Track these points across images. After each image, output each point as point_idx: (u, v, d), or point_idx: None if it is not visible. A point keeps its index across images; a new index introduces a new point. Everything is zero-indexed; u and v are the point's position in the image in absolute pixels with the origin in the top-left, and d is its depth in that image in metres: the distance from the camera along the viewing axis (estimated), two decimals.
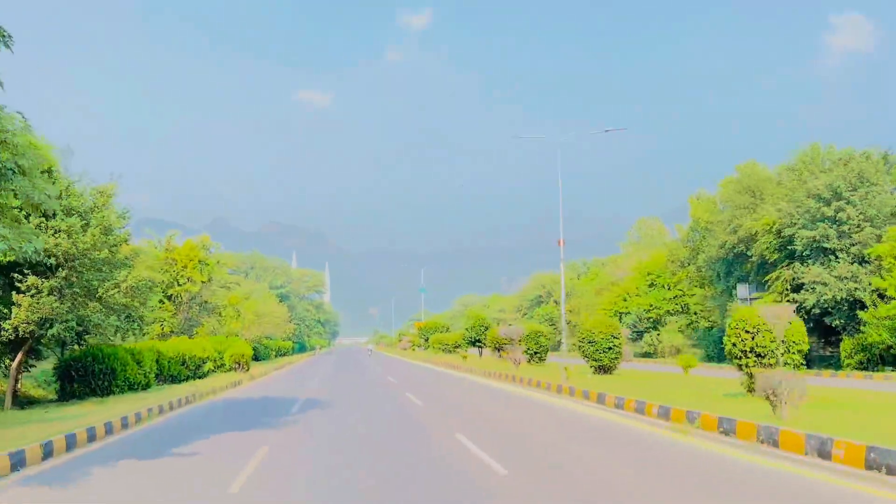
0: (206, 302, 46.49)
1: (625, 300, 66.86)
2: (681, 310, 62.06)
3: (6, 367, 22.87)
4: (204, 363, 35.99)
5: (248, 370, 40.11)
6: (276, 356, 70.84)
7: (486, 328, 52.38)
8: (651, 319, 62.60)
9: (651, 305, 62.69)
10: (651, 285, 64.34)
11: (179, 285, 43.70)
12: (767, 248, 43.29)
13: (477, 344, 54.34)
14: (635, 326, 62.66)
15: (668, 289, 62.86)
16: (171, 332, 43.04)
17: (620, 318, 65.08)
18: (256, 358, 65.33)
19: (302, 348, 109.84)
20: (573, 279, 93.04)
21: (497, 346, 48.64)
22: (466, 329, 55.79)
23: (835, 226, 38.56)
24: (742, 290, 42.72)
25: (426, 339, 69.11)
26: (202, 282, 44.88)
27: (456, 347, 58.17)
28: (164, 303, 43.40)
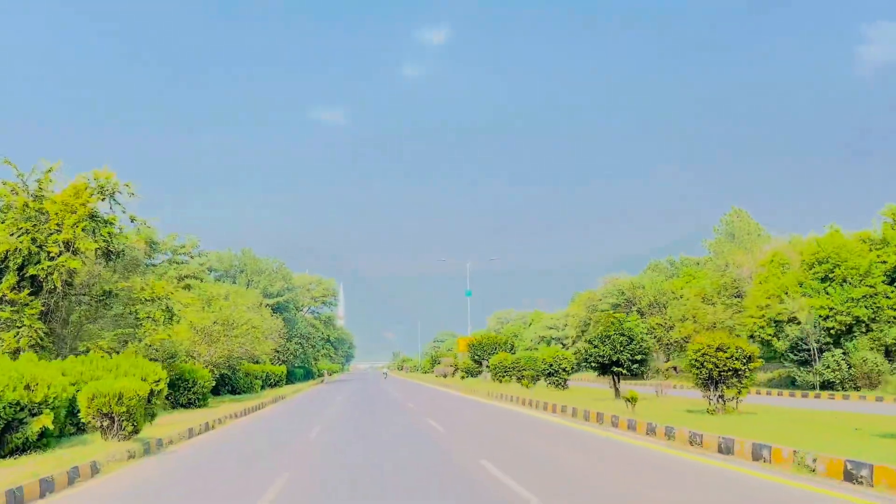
0: (108, 292, 25.40)
1: (763, 306, 45.17)
2: (873, 316, 40.37)
3: None
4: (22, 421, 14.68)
5: (133, 430, 17.69)
6: (262, 386, 49.52)
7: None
8: (833, 332, 40.72)
9: (831, 310, 40.82)
10: (825, 280, 42.48)
11: (52, 259, 22.90)
12: None
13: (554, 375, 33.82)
14: (802, 343, 40.72)
15: (855, 285, 41.06)
16: (36, 345, 22.34)
17: (777, 332, 43.43)
18: (234, 391, 44.32)
19: (308, 375, 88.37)
20: (660, 281, 71.36)
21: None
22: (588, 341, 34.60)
23: None
24: None
25: (480, 362, 48.01)
26: (98, 251, 23.91)
27: (534, 379, 36.92)
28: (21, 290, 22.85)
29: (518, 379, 36.40)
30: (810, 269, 43.17)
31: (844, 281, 41.31)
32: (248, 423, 25.16)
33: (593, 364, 25.22)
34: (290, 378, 77.06)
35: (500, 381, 41.68)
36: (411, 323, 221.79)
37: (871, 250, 43.03)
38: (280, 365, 69.09)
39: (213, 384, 36.54)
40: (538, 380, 36.81)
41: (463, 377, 49.28)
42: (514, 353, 46.40)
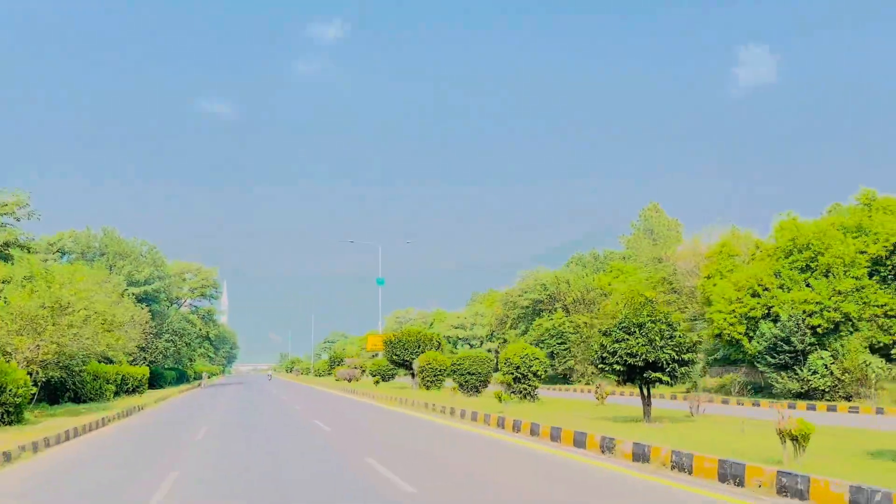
0: None
1: (732, 300, 38.93)
2: (861, 312, 34.81)
3: None
4: None
5: None
6: (116, 392, 38.56)
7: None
8: (819, 330, 34.77)
9: (818, 305, 34.83)
10: (806, 270, 36.58)
11: None
12: None
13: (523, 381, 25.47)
14: (782, 345, 34.60)
15: (840, 277, 35.32)
16: None
17: (749, 329, 37.31)
18: (77, 398, 33.80)
19: (181, 377, 76.40)
20: (586, 276, 64.98)
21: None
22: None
23: None
24: None
25: (402, 363, 38.45)
26: None
27: (475, 387, 28.54)
28: None
29: (468, 387, 27.59)
30: (787, 258, 37.12)
31: (828, 272, 35.46)
32: (51, 462, 15.28)
33: (616, 366, 16.79)
34: (158, 381, 65.36)
35: (429, 389, 33.21)
36: (299, 324, 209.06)
37: (844, 238, 37.56)
38: (143, 366, 57.61)
39: (34, 390, 26.20)
40: (480, 388, 28.51)
41: (377, 381, 40.30)
42: (441, 352, 37.74)
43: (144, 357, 61.59)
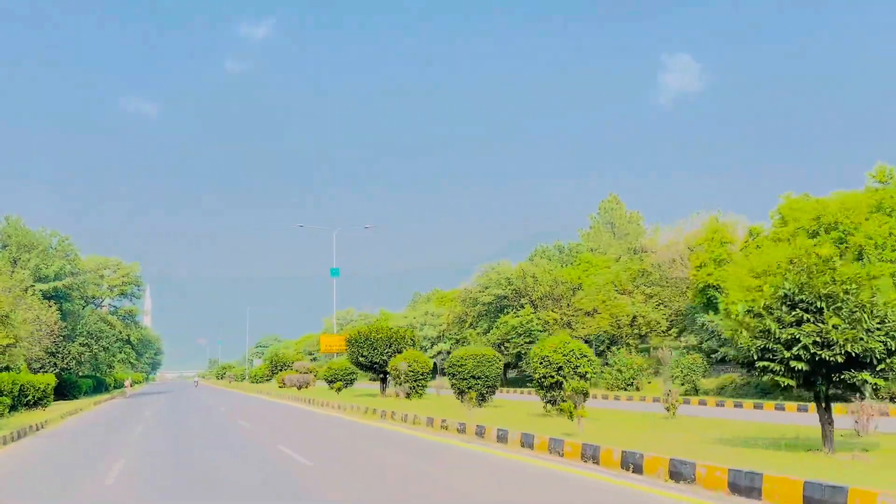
0: None
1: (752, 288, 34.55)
2: None
3: None
4: None
5: None
6: (13, 406, 30.98)
7: None
8: None
9: None
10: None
11: None
12: None
13: None
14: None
15: (872, 261, 31.03)
16: None
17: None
18: None
19: (100, 386, 67.81)
20: (554, 269, 60.03)
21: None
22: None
23: None
24: None
25: (371, 367, 31.30)
26: None
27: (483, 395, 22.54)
28: None
29: (470, 395, 21.12)
30: (812, 238, 32.63)
31: (860, 255, 31.12)
32: None
33: (795, 363, 10.38)
34: (71, 391, 57.00)
35: (409, 396, 27.15)
36: (228, 329, 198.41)
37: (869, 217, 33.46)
38: (52, 373, 49.52)
39: None
40: (487, 396, 22.63)
41: (338, 388, 33.58)
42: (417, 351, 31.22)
43: (55, 363, 53.41)
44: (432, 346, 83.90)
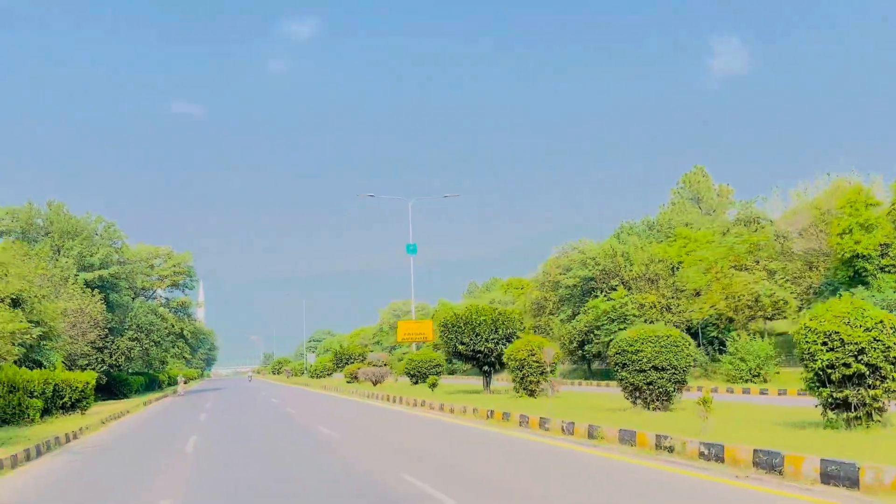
0: None
1: None
2: None
3: None
4: None
5: None
6: (48, 409, 26.05)
7: None
8: None
9: None
10: None
11: None
12: None
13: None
14: None
15: None
16: None
17: None
18: None
19: (152, 383, 63.69)
20: (648, 246, 53.44)
21: None
22: None
23: None
24: None
25: (473, 357, 24.88)
26: None
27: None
28: None
29: (647, 392, 14.49)
30: None
31: None
32: None
33: None
34: (121, 389, 52.66)
35: (533, 394, 21.03)
36: (280, 326, 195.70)
37: None
38: (100, 369, 45.08)
39: None
40: (673, 394, 16.27)
41: (433, 384, 27.63)
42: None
43: (102, 360, 48.96)
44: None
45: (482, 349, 24.64)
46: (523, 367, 21.23)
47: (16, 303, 26.96)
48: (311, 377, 65.44)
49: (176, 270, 63.70)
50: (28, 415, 24.44)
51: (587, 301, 53.25)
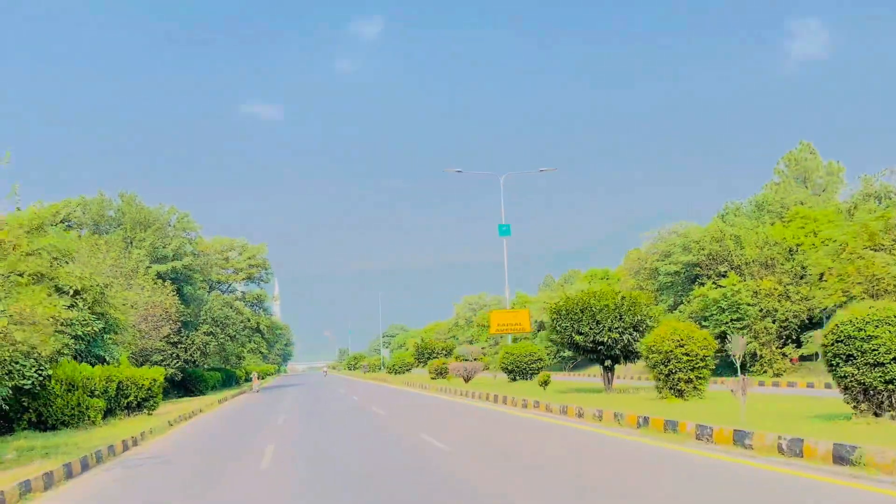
0: None
1: None
2: None
3: None
4: None
5: None
6: (111, 410, 23.43)
7: None
8: None
9: None
10: None
11: None
12: None
13: None
14: None
15: None
16: None
17: None
18: (41, 423, 19.20)
19: (229, 379, 61.99)
20: (752, 230, 48.19)
21: None
22: None
23: None
24: None
25: (594, 349, 20.81)
26: None
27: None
28: None
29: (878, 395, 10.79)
30: None
31: None
32: None
33: None
34: (195, 385, 50.69)
35: (682, 396, 16.85)
36: (352, 321, 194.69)
37: None
38: (172, 366, 43.07)
39: None
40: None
41: (545, 382, 23.65)
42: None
43: (177, 355, 47.01)
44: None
45: (605, 340, 20.53)
46: (669, 361, 17.12)
47: (77, 293, 24.46)
48: (389, 373, 62.45)
49: (251, 263, 61.64)
50: (89, 416, 21.79)
51: (692, 289, 48.35)
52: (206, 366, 54.80)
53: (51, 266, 23.76)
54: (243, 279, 62.14)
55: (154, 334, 39.96)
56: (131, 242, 47.41)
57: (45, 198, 46.86)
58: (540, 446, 13.42)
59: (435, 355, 49.51)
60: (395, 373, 59.67)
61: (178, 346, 47.01)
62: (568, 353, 43.12)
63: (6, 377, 18.13)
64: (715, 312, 44.03)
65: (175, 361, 46.16)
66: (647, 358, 17.89)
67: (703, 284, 47.18)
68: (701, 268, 48.74)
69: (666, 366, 17.17)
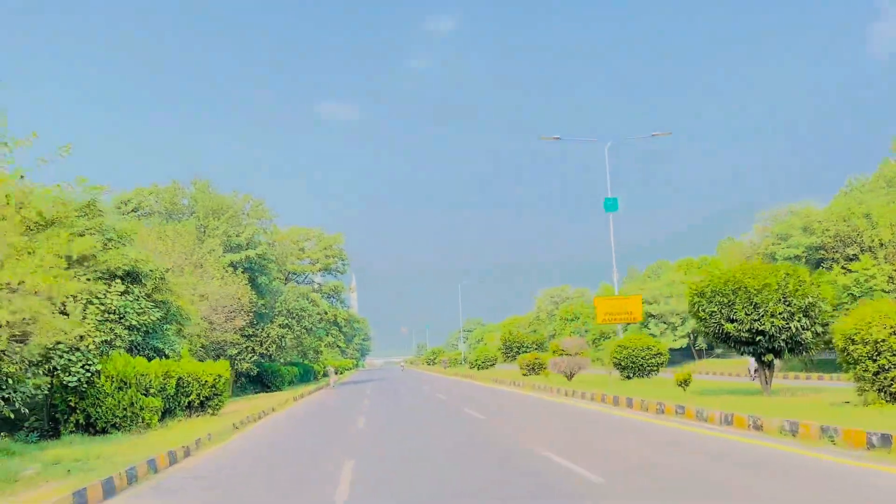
0: None
1: None
2: None
3: None
4: None
5: None
6: (169, 410, 20.51)
7: None
8: None
9: None
10: None
11: None
12: None
13: None
14: None
15: None
16: None
17: None
18: (89, 424, 16.28)
19: (306, 374, 59.85)
20: (886, 206, 42.18)
21: None
22: None
23: None
24: None
25: (752, 340, 16.94)
26: None
27: None
28: None
29: None
30: None
31: None
32: None
33: None
34: (272, 380, 48.45)
35: None
36: (431, 316, 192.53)
37: None
38: (221, 361, 40.78)
39: None
40: None
41: (685, 380, 19.31)
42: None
43: (252, 349, 44.68)
44: (683, 322, 68.23)
45: (766, 328, 16.06)
46: (879, 355, 12.65)
47: (133, 278, 21.67)
48: (471, 368, 58.85)
49: (327, 253, 59.02)
50: (143, 418, 18.90)
51: (815, 275, 42.64)
52: (282, 360, 52.50)
53: (104, 248, 21.03)
54: (319, 270, 59.61)
55: (227, 326, 37.40)
56: (204, 231, 45.30)
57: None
58: (748, 482, 9.11)
59: (525, 349, 45.45)
60: (478, 368, 55.98)
61: (254, 339, 44.64)
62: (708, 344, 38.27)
63: (28, 371, 15.19)
64: (846, 300, 38.45)
65: (250, 355, 43.82)
66: (843, 350, 13.49)
67: (829, 269, 41.59)
68: (826, 251, 43.11)
69: (873, 360, 12.73)
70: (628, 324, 36.06)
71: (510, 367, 64.13)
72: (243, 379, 46.82)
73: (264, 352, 45.30)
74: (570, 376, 27.45)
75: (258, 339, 44.81)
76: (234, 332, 39.53)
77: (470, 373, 54.96)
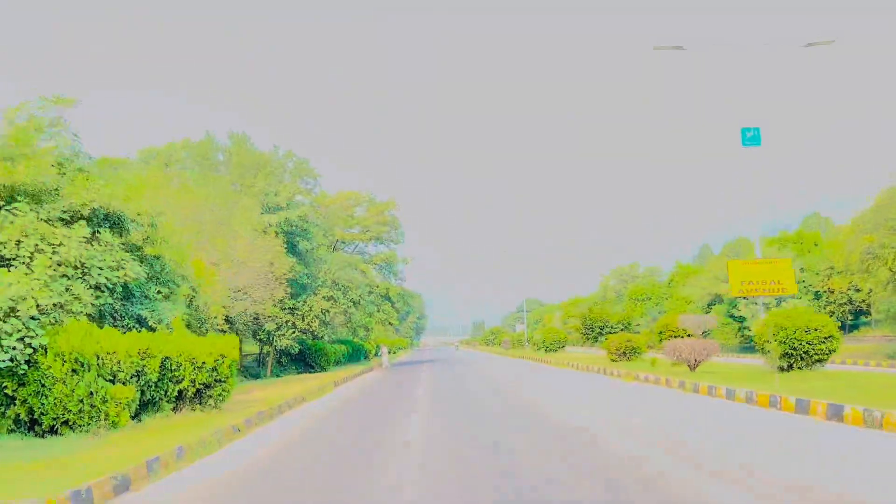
0: None
1: None
2: None
3: None
4: None
5: None
6: (181, 397, 14.97)
7: None
8: None
9: None
10: None
11: None
12: None
13: None
14: None
15: None
16: None
17: None
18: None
19: (356, 353, 54.61)
20: None
21: None
22: None
23: None
24: None
25: None
26: None
27: None
28: None
29: None
30: None
31: None
32: None
33: None
34: (315, 360, 43.16)
35: None
36: (488, 296, 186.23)
37: None
38: (228, 335, 35.45)
39: None
40: None
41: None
42: None
43: (293, 323, 39.33)
44: (778, 304, 60.36)
45: None
46: None
47: (113, 223, 16.14)
48: (539, 349, 52.57)
49: (378, 221, 53.27)
50: (106, 413, 13.34)
51: None
52: (328, 337, 47.21)
53: (62, 176, 15.52)
54: (370, 239, 53.94)
55: (264, 296, 31.91)
56: (239, 189, 40.04)
57: None
58: None
59: (609, 329, 38.89)
60: (547, 350, 49.65)
61: (295, 314, 39.34)
62: None
63: None
64: None
65: (291, 331, 38.52)
66: None
67: None
68: None
69: None
70: (778, 297, 29.17)
71: (581, 350, 57.44)
72: (285, 358, 41.69)
73: (306, 327, 39.99)
74: (693, 366, 20.72)
75: (300, 312, 39.50)
76: (274, 305, 34.23)
77: (537, 355, 48.69)
